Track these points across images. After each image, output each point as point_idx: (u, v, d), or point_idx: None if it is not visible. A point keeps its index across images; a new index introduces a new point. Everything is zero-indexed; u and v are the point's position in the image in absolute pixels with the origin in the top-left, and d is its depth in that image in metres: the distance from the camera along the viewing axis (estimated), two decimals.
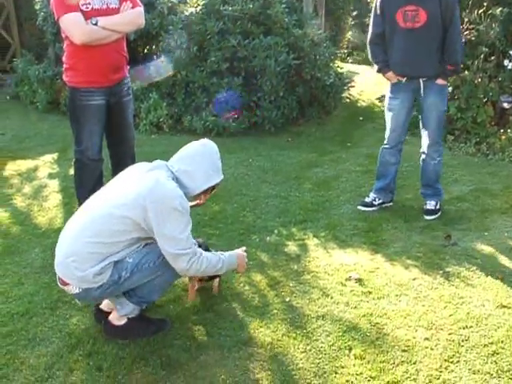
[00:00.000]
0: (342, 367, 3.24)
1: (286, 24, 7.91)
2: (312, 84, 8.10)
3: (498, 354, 3.31)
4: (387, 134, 5.20)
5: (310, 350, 3.39)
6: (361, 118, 8.66)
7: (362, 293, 3.96)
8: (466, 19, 7.35)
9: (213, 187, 3.60)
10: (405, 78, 4.96)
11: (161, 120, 7.83)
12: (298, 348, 3.41)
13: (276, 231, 4.89)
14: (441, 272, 4.21)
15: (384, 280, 4.11)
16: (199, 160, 3.48)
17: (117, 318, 3.54)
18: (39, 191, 5.92)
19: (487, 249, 4.53)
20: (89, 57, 4.47)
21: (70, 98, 4.77)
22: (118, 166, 5.19)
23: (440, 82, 4.89)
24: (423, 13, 4.68)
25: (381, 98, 8.66)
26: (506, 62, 7.39)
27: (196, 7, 7.86)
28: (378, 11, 4.90)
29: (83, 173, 4.90)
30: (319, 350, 3.39)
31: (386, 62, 5.00)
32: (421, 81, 4.93)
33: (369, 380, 3.13)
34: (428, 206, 5.20)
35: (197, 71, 7.68)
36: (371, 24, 5.04)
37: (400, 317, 3.68)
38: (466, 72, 7.28)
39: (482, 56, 7.28)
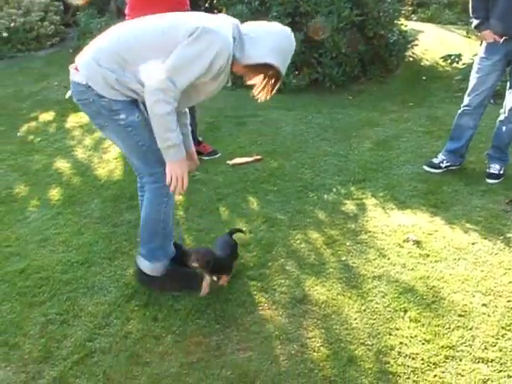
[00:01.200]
0: (397, 329, 3.21)
1: None
2: (375, 41, 7.91)
3: None
4: (470, 95, 4.96)
5: (365, 311, 3.37)
6: (424, 78, 8.43)
7: (419, 255, 3.90)
8: None
9: (265, 75, 3.19)
10: (503, 39, 4.69)
11: None
12: (353, 308, 3.39)
13: (334, 189, 4.84)
14: (501, 237, 4.11)
15: (442, 243, 4.04)
16: (270, 35, 3.12)
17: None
18: (99, 143, 5.98)
19: None
20: (151, 8, 4.45)
21: None
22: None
23: None
24: None
25: (445, 58, 8.39)
26: None
27: None
28: None
29: None
30: (374, 311, 3.36)
31: (485, 18, 4.75)
32: None
33: (423, 343, 3.10)
34: (492, 170, 5.05)
35: None
36: None
37: (457, 281, 3.62)
38: None
39: None
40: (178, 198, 4.54)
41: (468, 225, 4.27)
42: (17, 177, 5.30)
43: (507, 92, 4.94)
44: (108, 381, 2.93)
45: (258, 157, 5.40)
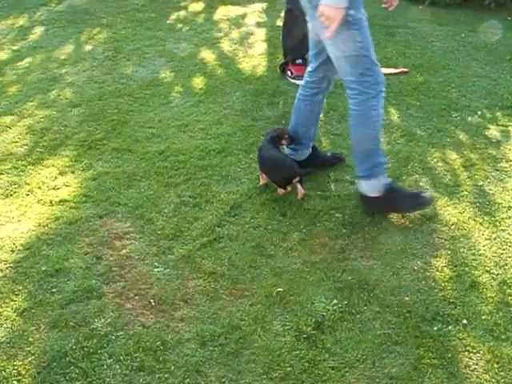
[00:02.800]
0: None
1: None
2: None
3: None
4: None
5: (495, 239, 3.28)
6: None
7: None
8: None
9: None
10: None
11: None
12: (483, 234, 3.31)
13: (479, 112, 4.63)
14: None
15: None
16: None
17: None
18: (245, 38, 6.00)
19: None
20: None
21: None
22: None
23: None
24: None
25: None
26: None
27: None
28: None
29: (293, 25, 4.89)
30: (504, 241, 3.27)
31: None
32: None
33: None
34: None
35: None
36: None
37: None
38: None
39: None
40: None
41: None
42: (163, 62, 5.45)
43: None
44: (232, 266, 3.06)
45: (405, 69, 5.24)
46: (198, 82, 5.04)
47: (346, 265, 3.07)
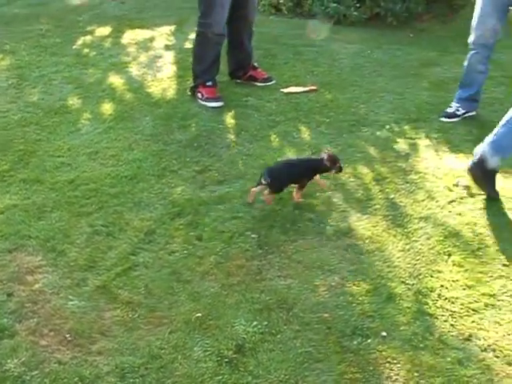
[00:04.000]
0: (439, 272, 3.19)
1: None
2: None
3: None
4: (472, 35, 4.80)
5: (408, 250, 3.35)
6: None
7: (468, 201, 3.83)
8: None
9: None
10: None
11: (280, 1, 7.62)
12: (397, 246, 3.37)
13: (387, 126, 4.74)
14: None
15: None
16: None
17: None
18: (154, 61, 5.96)
19: None
20: None
21: None
22: (235, 44, 5.18)
23: None
24: None
25: None
26: None
27: None
28: None
29: (205, 47, 4.91)
30: (417, 252, 3.34)
31: None
32: None
33: (464, 288, 3.08)
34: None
35: None
36: None
37: (505, 230, 3.56)
38: None
39: None
40: (230, 121, 4.56)
41: None
42: (71, 89, 5.34)
43: None
44: (149, 294, 3.01)
45: (313, 87, 5.32)
46: (107, 107, 4.96)
47: (264, 285, 3.06)
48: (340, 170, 3.76)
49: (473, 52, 4.83)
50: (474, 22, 4.78)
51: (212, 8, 4.75)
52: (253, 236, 3.40)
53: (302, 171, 3.72)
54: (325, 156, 3.67)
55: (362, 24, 7.21)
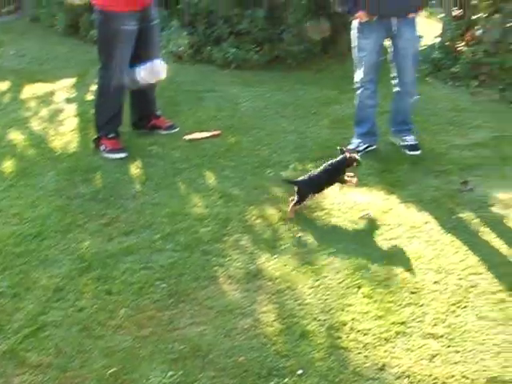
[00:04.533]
0: (349, 305, 3.25)
1: None
2: (336, 20, 7.89)
3: (505, 301, 3.28)
4: (357, 73, 5.04)
5: (319, 286, 3.40)
6: (384, 57, 8.46)
7: (373, 233, 3.94)
8: None
9: None
10: (376, 17, 4.78)
11: (180, 49, 7.70)
12: (307, 283, 3.42)
13: (291, 166, 4.83)
14: (454, 217, 4.16)
15: (397, 221, 4.08)
16: None
17: None
18: (55, 115, 5.89)
19: (504, 196, 4.45)
20: None
21: (102, 21, 4.77)
22: (137, 94, 5.20)
23: (413, 15, 4.83)
24: None
25: None
26: None
27: None
28: None
29: (106, 99, 4.90)
30: (327, 287, 3.39)
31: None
32: (393, 19, 4.79)
33: (375, 319, 3.14)
34: (410, 142, 5.12)
35: (220, 0, 7.50)
36: None
37: (410, 259, 3.67)
38: (496, 15, 7.06)
39: None
40: (134, 171, 4.55)
41: (422, 204, 4.31)
42: None
43: (396, 69, 5.05)
44: (59, 354, 2.93)
45: (216, 132, 5.37)
46: (8, 165, 4.85)
47: (177, 334, 3.04)
48: (359, 163, 4.35)
49: (361, 89, 5.02)
50: (356, 60, 4.98)
51: (111, 59, 4.77)
52: (163, 286, 3.37)
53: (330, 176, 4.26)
54: (343, 159, 4.26)
55: (262, 67, 7.36)
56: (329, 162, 4.28)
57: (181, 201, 4.25)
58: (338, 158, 4.29)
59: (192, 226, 3.95)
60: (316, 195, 4.22)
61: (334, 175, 4.25)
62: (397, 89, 5.09)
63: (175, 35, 7.65)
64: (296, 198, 4.09)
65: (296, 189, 4.11)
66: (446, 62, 7.31)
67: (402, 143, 5.17)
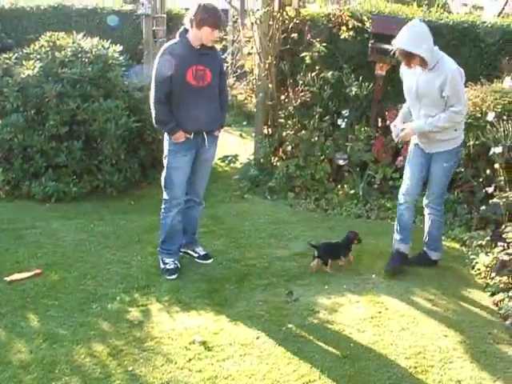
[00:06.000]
0: None
1: (126, 87, 7.89)
2: (154, 146, 8.09)
3: None
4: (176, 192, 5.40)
5: None
6: None
7: (206, 356, 3.95)
8: (300, 82, 7.79)
9: None
10: (192, 134, 5.13)
11: None
12: None
13: (118, 298, 4.75)
14: (284, 328, 4.29)
15: (228, 341, 4.13)
16: None
17: None
18: None
19: (327, 302, 4.69)
20: None
21: None
22: None
23: (218, 132, 5.40)
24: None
25: (223, 159, 8.76)
26: (339, 121, 7.85)
27: (33, 69, 7.65)
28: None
29: None
30: None
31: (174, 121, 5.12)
32: (205, 134, 5.20)
33: None
34: (201, 252, 5.54)
35: (35, 135, 7.43)
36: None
37: (245, 377, 3.71)
38: (304, 131, 7.62)
39: (317, 116, 7.65)
40: None
41: (252, 320, 4.41)
42: None
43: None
44: None
45: (38, 271, 5.16)
46: None
47: None
48: (360, 240, 5.60)
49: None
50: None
51: None
52: None
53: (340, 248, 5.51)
54: (351, 235, 5.54)
55: (83, 198, 7.31)
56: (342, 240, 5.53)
57: (2, 348, 4.00)
58: (347, 235, 5.55)
59: (15, 376, 3.72)
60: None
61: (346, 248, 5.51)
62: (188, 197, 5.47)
63: None
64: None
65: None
66: (263, 178, 7.77)
67: (194, 254, 5.52)
